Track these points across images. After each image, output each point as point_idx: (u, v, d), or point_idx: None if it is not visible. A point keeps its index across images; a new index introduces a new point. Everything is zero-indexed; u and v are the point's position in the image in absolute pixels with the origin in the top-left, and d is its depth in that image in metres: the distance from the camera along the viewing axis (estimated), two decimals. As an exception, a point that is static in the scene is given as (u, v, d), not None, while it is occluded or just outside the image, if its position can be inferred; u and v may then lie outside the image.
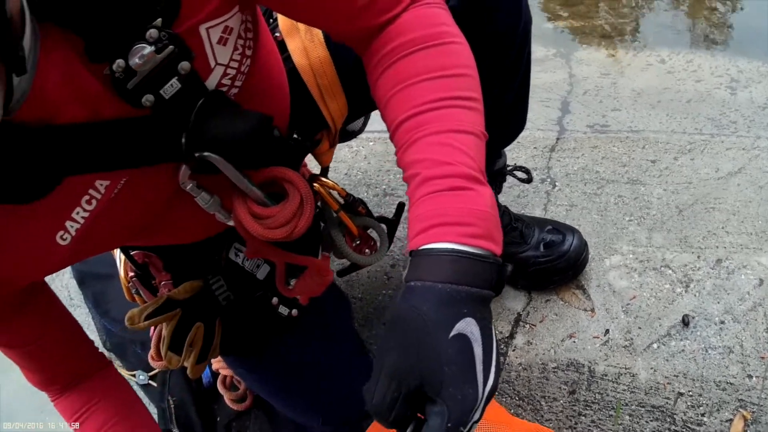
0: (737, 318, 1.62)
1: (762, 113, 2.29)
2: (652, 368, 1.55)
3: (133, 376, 1.88)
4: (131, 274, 1.37)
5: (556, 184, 2.05)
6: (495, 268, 0.86)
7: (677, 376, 1.54)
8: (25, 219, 0.87)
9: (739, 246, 1.79)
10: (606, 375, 1.57)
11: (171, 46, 0.82)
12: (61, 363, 1.17)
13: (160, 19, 0.81)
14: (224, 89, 0.94)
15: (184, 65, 0.84)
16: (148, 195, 0.99)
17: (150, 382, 1.88)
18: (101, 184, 0.90)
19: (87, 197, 0.90)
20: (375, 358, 0.86)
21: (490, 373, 0.83)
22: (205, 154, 0.92)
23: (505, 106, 1.47)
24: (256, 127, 0.94)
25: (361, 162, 2.31)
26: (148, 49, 0.80)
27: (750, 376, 1.51)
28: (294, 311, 1.36)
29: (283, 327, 1.39)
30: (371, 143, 2.37)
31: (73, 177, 0.86)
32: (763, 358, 1.54)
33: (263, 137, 0.97)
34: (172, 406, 1.81)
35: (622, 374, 1.56)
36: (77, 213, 0.90)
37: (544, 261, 1.69)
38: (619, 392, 1.54)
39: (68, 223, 0.91)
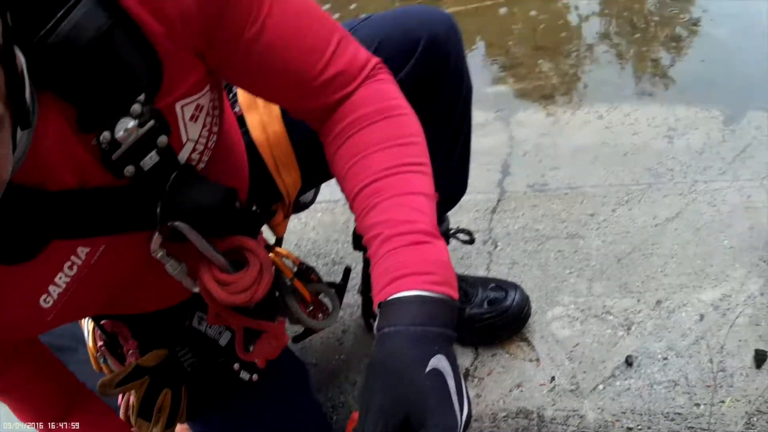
0: (680, 353, 1.78)
1: (699, 158, 2.47)
2: (599, 408, 1.70)
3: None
4: (100, 343, 1.48)
5: (498, 244, 2.22)
6: (455, 311, 0.99)
7: (625, 413, 1.69)
8: (12, 281, 0.97)
9: (678, 286, 1.96)
10: (555, 419, 1.71)
11: (152, 121, 0.93)
12: (49, 402, 1.29)
13: (143, 95, 0.92)
14: (193, 163, 1.06)
15: (162, 140, 0.95)
16: (123, 263, 1.10)
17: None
18: (82, 251, 1.01)
19: (69, 263, 1.01)
20: (359, 405, 0.96)
21: (464, 403, 0.94)
22: (176, 223, 1.04)
23: (449, 171, 1.63)
24: (222, 199, 1.07)
25: (310, 233, 2.46)
26: (132, 123, 0.91)
27: (698, 405, 1.67)
28: (254, 376, 1.47)
29: (245, 392, 1.50)
30: (319, 214, 2.52)
31: (57, 242, 0.97)
32: (708, 386, 1.69)
33: (228, 208, 1.08)
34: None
35: (570, 416, 1.71)
36: (60, 278, 1.01)
37: (489, 317, 1.85)
38: (568, 434, 1.69)
39: (51, 287, 1.02)
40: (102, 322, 1.46)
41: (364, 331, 2.02)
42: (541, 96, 3.10)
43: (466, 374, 1.87)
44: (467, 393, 0.97)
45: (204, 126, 1.06)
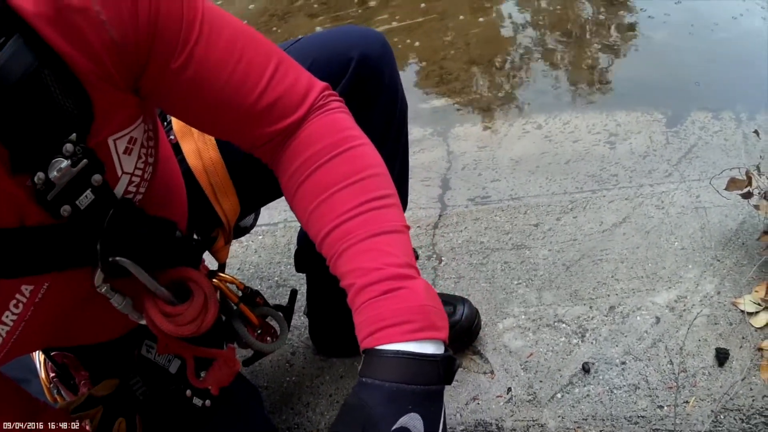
0: (638, 357, 1.87)
1: (643, 162, 2.62)
2: (559, 416, 1.78)
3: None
4: (52, 374, 1.52)
5: (443, 258, 2.31)
6: (441, 364, 1.02)
7: (586, 419, 1.76)
8: None
9: (630, 291, 2.06)
10: (515, 429, 1.78)
11: (85, 160, 0.95)
12: (9, 410, 1.26)
13: (75, 134, 0.94)
14: (130, 196, 1.09)
15: (97, 177, 0.98)
16: (68, 298, 1.14)
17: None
18: (26, 289, 1.02)
19: (14, 301, 1.02)
20: None
21: None
22: (117, 258, 1.07)
23: None
24: (161, 232, 1.13)
25: (252, 256, 2.53)
26: (65, 163, 0.92)
27: (660, 407, 1.74)
28: (207, 402, 1.52)
29: (199, 418, 1.54)
30: (260, 237, 2.59)
31: (1, 281, 1.00)
32: (671, 388, 1.78)
33: (168, 241, 1.15)
34: None
35: (530, 426, 1.78)
36: (6, 316, 1.04)
37: (438, 333, 1.90)
38: (529, 444, 1.77)
39: None
40: (52, 353, 1.49)
41: (312, 352, 2.09)
42: (478, 109, 3.23)
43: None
44: None
45: (139, 158, 1.09)
